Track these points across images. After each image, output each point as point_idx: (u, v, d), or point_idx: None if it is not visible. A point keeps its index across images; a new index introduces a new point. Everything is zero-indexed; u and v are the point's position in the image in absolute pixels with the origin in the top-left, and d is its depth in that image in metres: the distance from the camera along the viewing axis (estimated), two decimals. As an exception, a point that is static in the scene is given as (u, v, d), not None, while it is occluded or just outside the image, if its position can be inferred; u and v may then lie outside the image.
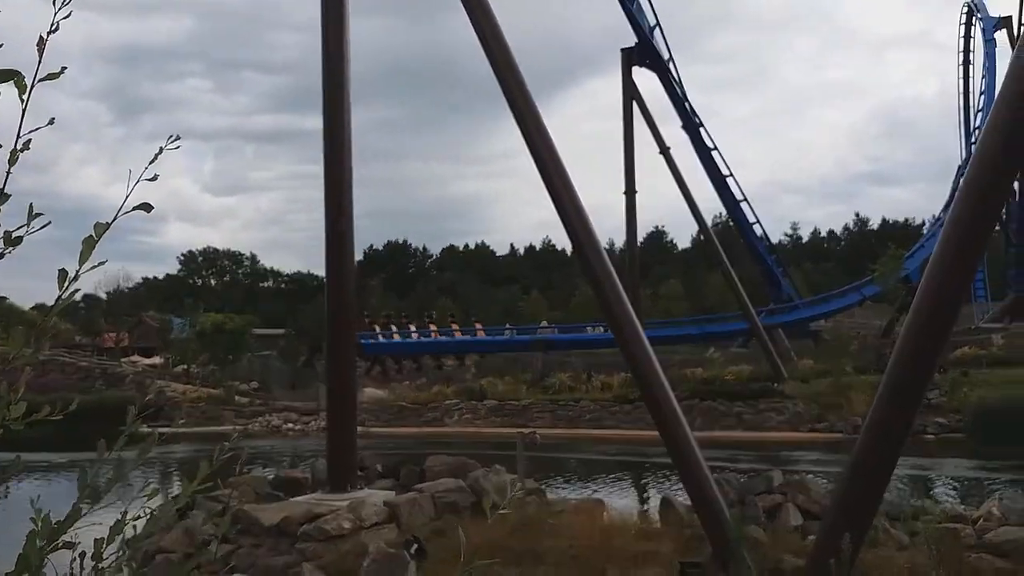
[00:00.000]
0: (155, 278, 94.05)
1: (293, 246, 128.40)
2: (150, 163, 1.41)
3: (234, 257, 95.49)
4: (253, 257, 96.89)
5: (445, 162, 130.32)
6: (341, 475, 10.74)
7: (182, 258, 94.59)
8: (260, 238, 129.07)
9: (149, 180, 1.39)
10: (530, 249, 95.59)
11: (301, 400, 35.22)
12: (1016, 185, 34.15)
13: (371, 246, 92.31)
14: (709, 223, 36.88)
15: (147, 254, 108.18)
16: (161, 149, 1.46)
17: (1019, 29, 32.08)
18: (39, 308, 45.92)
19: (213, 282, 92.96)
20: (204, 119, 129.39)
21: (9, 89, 1.25)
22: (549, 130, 9.13)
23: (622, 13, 32.87)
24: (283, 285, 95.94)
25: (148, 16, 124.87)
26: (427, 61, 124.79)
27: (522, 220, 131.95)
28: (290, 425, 32.70)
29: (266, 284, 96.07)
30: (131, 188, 1.35)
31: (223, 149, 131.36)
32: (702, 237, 43.00)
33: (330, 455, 11.17)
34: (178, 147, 1.49)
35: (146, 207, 1.36)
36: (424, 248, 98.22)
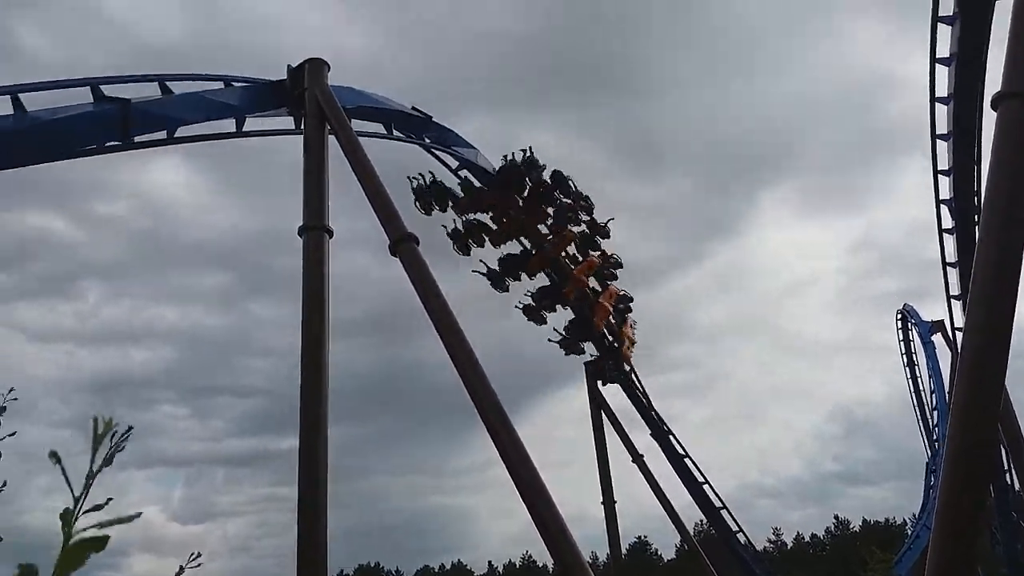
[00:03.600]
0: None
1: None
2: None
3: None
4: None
5: (416, 477, 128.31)
6: None
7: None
8: (227, 568, 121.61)
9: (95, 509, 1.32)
10: (510, 566, 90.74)
11: None
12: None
13: (342, 571, 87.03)
14: (691, 531, 35.82)
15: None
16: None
17: (953, 332, 34.40)
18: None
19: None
20: (177, 445, 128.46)
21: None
22: (523, 440, 9.23)
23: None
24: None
25: (128, 347, 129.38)
26: (393, 378, 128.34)
27: (500, 535, 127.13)
28: None
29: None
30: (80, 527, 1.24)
31: (194, 475, 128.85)
32: (686, 547, 41.50)
33: None
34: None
35: (97, 544, 1.24)
36: (397, 570, 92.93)
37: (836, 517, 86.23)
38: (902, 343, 51.97)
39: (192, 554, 1.43)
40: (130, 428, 1.44)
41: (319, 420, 11.58)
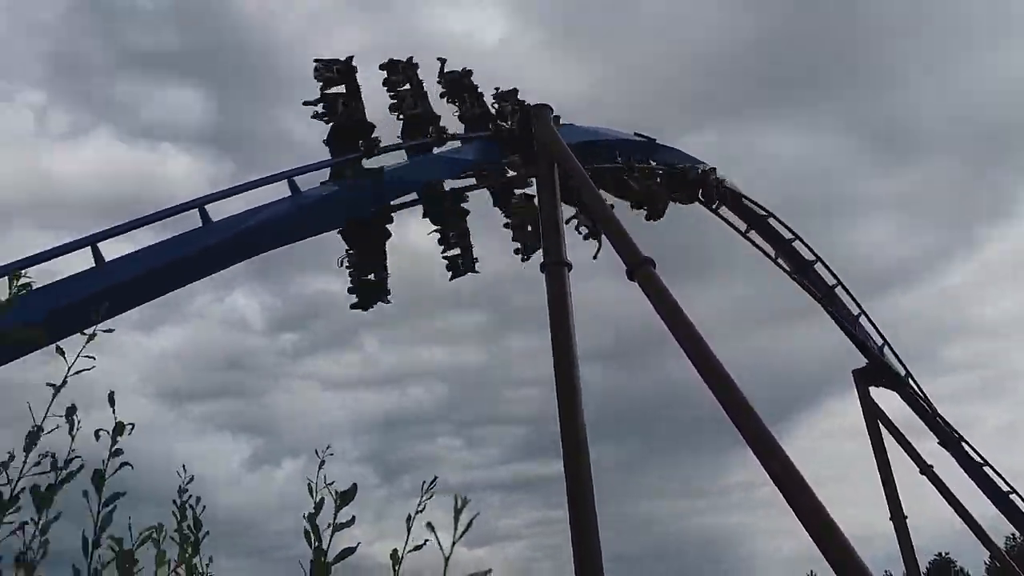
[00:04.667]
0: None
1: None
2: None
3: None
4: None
5: (682, 499, 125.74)
6: None
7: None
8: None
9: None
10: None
11: None
12: None
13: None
14: (1002, 546, 31.83)
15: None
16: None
17: None
18: None
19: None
20: (456, 474, 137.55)
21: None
22: (791, 456, 8.82)
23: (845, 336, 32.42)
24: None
25: (405, 387, 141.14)
26: (648, 400, 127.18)
27: (780, 555, 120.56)
28: None
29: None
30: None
31: (473, 502, 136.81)
32: (997, 564, 36.87)
33: None
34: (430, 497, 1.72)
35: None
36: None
37: None
38: None
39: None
40: (435, 478, 1.73)
41: (579, 444, 11.86)
